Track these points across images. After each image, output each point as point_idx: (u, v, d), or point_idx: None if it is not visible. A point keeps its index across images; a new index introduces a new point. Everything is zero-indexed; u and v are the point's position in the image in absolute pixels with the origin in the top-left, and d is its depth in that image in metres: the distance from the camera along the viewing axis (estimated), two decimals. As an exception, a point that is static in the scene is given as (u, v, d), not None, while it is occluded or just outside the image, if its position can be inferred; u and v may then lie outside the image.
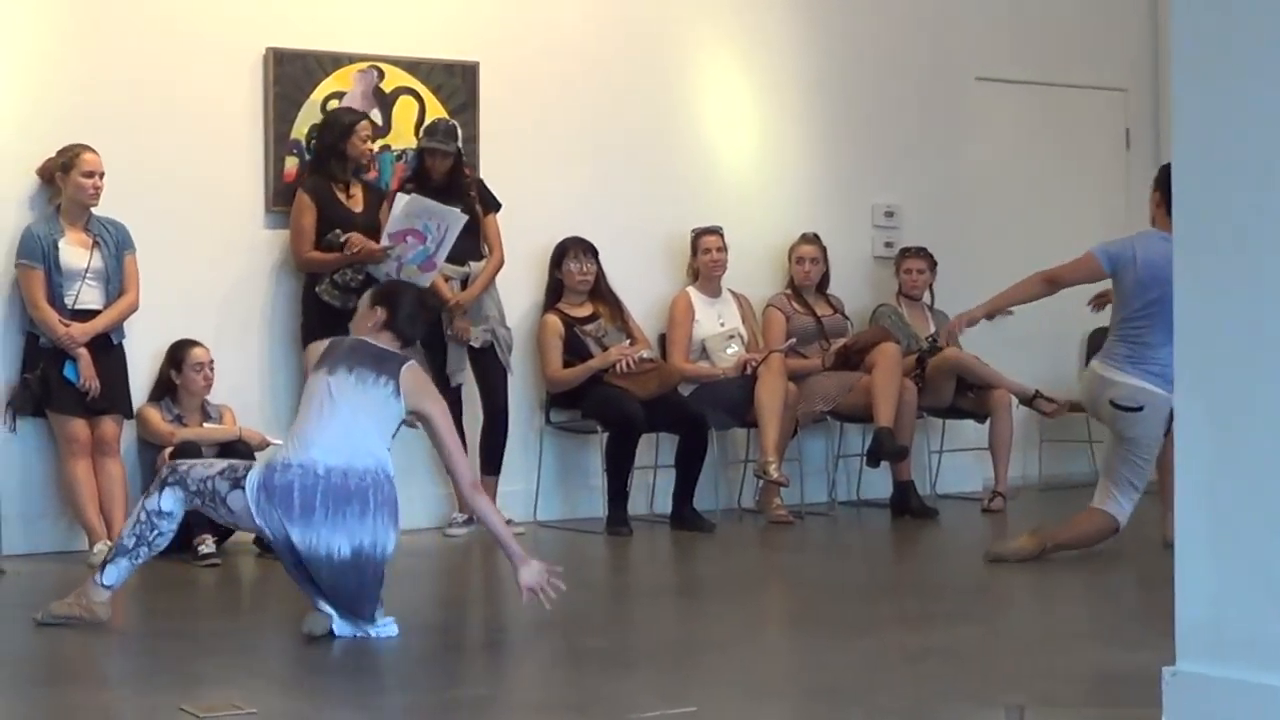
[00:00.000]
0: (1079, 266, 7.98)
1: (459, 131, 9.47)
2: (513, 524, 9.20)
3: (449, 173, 9.36)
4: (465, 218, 9.06)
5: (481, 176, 9.64)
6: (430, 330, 9.34)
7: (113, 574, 6.48)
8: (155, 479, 6.52)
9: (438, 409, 6.57)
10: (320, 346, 6.66)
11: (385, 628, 6.36)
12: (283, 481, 6.24)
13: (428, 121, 9.57)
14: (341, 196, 9.18)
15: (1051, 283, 8.03)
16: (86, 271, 8.49)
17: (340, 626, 6.31)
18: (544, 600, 6.39)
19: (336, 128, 9.22)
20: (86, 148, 8.52)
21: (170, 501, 6.39)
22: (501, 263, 9.50)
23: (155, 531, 6.41)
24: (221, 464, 6.50)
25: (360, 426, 6.37)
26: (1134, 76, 12.23)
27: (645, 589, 8.26)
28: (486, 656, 6.55)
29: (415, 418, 6.65)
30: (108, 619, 6.52)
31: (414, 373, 6.55)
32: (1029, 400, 10.47)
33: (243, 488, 6.29)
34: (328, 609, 6.31)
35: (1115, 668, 5.79)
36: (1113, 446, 8.05)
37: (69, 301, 8.45)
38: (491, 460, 9.48)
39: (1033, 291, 8.08)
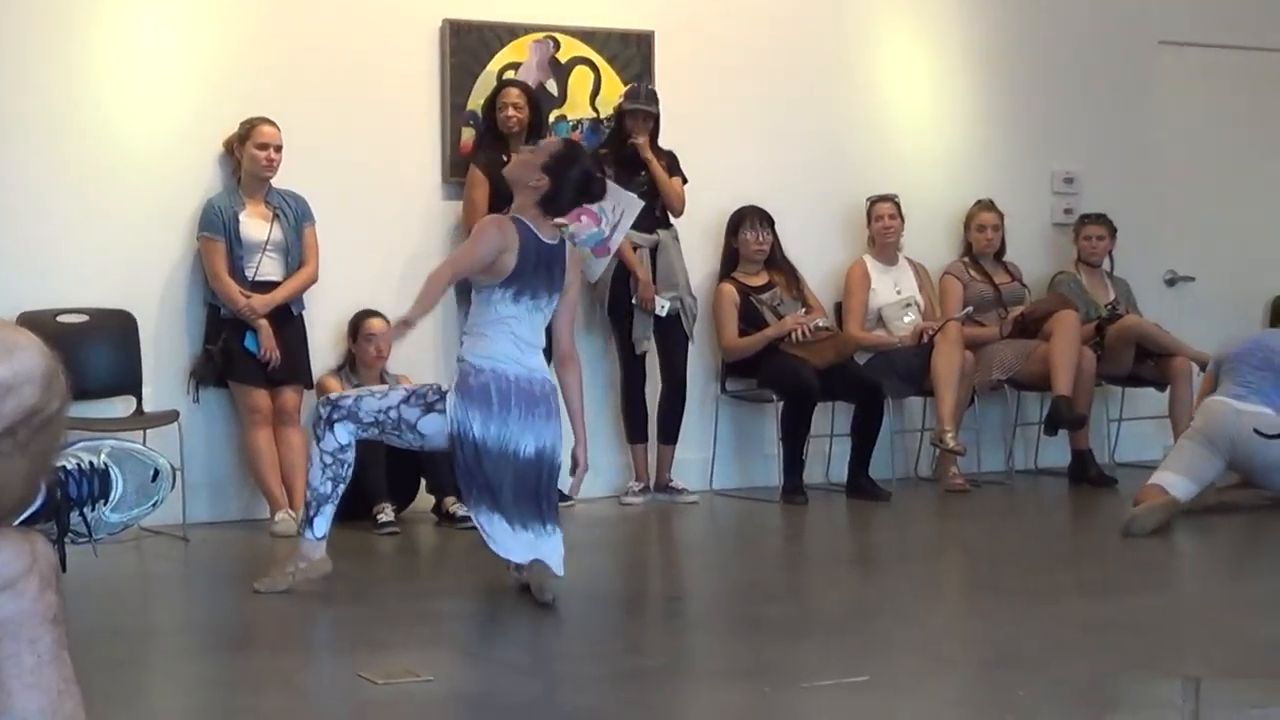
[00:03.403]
0: None
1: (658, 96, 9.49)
2: (687, 493, 9.27)
3: (651, 136, 9.38)
4: (642, 204, 8.93)
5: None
6: (617, 299, 9.37)
7: (322, 525, 6.57)
8: (317, 420, 6.56)
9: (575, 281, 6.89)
10: (492, 236, 6.49)
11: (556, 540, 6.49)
12: (478, 383, 6.40)
13: (626, 87, 9.55)
14: (511, 166, 9.16)
15: None
16: (267, 244, 8.57)
17: (522, 551, 6.39)
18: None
19: (488, 100, 9.23)
20: (265, 120, 8.59)
21: (345, 435, 6.49)
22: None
23: (344, 466, 6.52)
24: (400, 393, 6.59)
25: (534, 344, 6.58)
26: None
27: (821, 557, 8.24)
28: (664, 625, 6.55)
29: None
30: (331, 569, 6.64)
31: (573, 259, 6.78)
32: (1210, 368, 10.31)
33: (439, 411, 6.43)
34: (515, 553, 6.39)
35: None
36: None
37: (249, 273, 8.54)
38: (669, 429, 9.50)
39: None
